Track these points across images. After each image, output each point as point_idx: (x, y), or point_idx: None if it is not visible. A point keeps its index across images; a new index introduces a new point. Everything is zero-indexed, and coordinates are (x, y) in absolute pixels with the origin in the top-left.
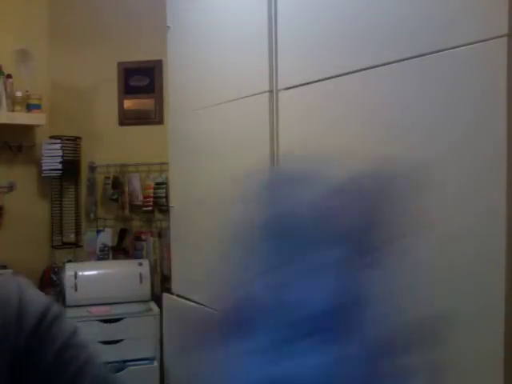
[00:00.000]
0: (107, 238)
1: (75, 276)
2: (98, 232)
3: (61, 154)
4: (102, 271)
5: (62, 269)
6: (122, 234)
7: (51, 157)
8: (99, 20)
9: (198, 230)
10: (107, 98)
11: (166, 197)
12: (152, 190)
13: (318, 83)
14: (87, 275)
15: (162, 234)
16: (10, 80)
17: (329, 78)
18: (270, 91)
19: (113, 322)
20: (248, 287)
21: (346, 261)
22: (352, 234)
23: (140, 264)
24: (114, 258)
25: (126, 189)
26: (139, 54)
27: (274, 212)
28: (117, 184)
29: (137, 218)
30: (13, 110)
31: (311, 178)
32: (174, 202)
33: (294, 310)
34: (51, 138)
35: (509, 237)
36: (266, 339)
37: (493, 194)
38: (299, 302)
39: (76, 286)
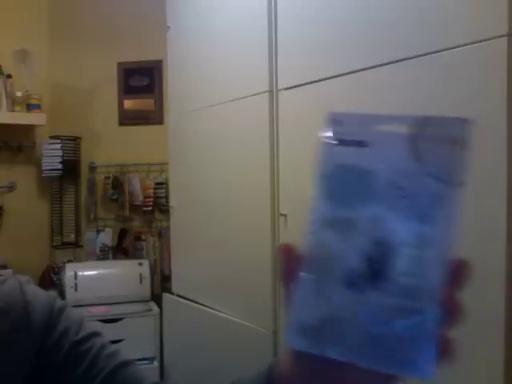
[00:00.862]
0: (107, 238)
1: (75, 276)
2: (98, 232)
3: (61, 153)
4: (101, 271)
5: (62, 269)
6: (122, 234)
7: (51, 157)
8: (99, 20)
9: (198, 230)
10: (107, 98)
11: (166, 197)
12: (152, 190)
13: (318, 83)
14: (87, 275)
15: (162, 234)
16: (10, 80)
17: (329, 78)
18: (270, 91)
19: (113, 322)
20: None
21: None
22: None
23: (140, 264)
24: (114, 258)
25: (126, 189)
26: (139, 54)
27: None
28: (117, 184)
29: (137, 218)
30: (13, 110)
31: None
32: (174, 202)
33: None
34: (51, 138)
35: (509, 238)
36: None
37: (493, 195)
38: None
39: (76, 285)
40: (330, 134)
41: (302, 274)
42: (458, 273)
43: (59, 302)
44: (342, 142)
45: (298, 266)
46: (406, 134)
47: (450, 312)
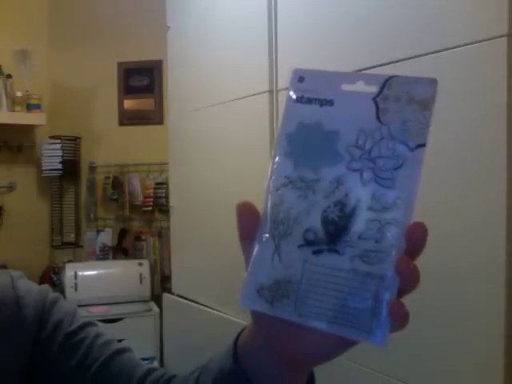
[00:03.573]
0: (107, 238)
1: (75, 276)
2: (98, 232)
3: (61, 153)
4: (101, 271)
5: (62, 269)
6: (122, 234)
7: (51, 157)
8: (99, 20)
9: (198, 230)
10: (107, 98)
11: (166, 197)
12: (152, 190)
13: None
14: (87, 275)
15: (162, 234)
16: (10, 80)
17: None
18: (270, 91)
19: (113, 322)
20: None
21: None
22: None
23: (140, 264)
24: (114, 258)
25: (126, 189)
26: (139, 54)
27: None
28: (117, 184)
29: (137, 218)
30: (13, 110)
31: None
32: (174, 202)
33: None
34: (51, 138)
35: (509, 238)
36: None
37: (493, 195)
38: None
39: (76, 286)
40: (293, 90)
41: (260, 233)
42: (415, 237)
43: (51, 295)
44: (305, 100)
45: (256, 225)
46: (371, 94)
47: (406, 278)
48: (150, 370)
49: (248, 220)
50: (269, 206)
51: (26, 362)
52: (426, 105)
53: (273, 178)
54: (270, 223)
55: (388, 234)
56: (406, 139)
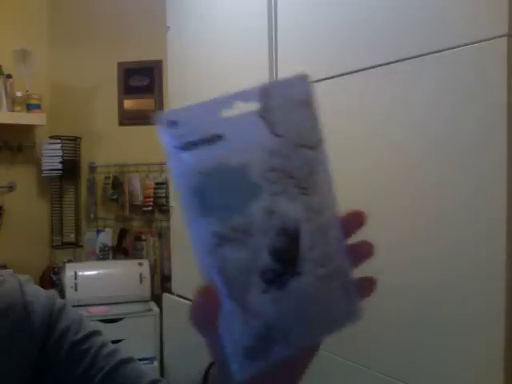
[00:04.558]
0: (107, 238)
1: (75, 276)
2: (98, 232)
3: (61, 153)
4: (101, 271)
5: (62, 269)
6: (122, 234)
7: (51, 157)
8: (99, 20)
9: None
10: (107, 98)
11: (166, 197)
12: (152, 190)
13: (318, 83)
14: (87, 275)
15: (162, 234)
16: (10, 80)
17: (329, 78)
18: None
19: (113, 321)
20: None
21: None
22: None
23: (140, 264)
24: (114, 258)
25: (126, 189)
26: (139, 54)
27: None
28: (117, 184)
29: (137, 218)
30: (13, 110)
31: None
32: (174, 202)
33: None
34: (51, 137)
35: (509, 239)
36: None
37: (493, 195)
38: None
39: (76, 285)
40: (169, 139)
41: (221, 306)
42: (351, 222)
43: (59, 302)
44: (189, 145)
45: (217, 302)
46: (254, 111)
47: (358, 255)
48: (154, 382)
49: (209, 303)
50: (214, 275)
51: (32, 367)
52: (308, 101)
53: (200, 246)
54: (226, 289)
55: (330, 233)
56: (305, 142)
